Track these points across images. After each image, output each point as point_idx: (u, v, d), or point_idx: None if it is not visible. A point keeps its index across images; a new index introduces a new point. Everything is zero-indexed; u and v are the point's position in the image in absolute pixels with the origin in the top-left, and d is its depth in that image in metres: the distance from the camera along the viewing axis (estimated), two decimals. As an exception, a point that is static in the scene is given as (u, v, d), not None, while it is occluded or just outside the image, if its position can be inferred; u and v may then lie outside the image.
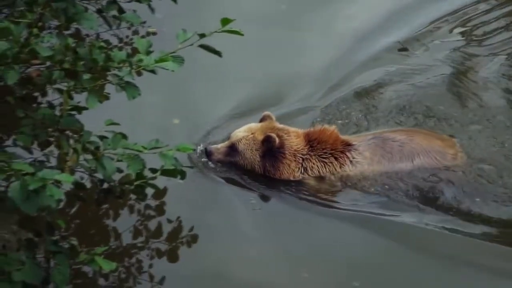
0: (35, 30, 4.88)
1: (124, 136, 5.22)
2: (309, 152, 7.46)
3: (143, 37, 8.67)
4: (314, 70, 9.00)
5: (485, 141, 7.81)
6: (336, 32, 9.65)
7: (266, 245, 6.86)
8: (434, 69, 9.06)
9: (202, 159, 7.54)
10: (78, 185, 5.57)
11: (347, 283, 6.44)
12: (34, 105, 7.00)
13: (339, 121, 8.15)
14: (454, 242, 6.84)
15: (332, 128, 7.55)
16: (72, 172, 5.17)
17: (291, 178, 7.44)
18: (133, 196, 6.27)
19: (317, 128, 7.60)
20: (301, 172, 7.44)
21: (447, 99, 8.50)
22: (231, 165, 7.52)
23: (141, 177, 5.39)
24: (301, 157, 7.44)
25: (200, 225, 6.78)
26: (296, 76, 8.88)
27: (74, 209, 6.70)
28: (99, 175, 5.30)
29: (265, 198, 7.35)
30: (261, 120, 7.65)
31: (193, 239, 6.65)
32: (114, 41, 8.81)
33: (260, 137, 7.43)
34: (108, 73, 5.07)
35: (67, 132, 5.29)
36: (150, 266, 6.38)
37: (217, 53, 5.24)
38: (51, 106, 5.72)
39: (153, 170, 5.40)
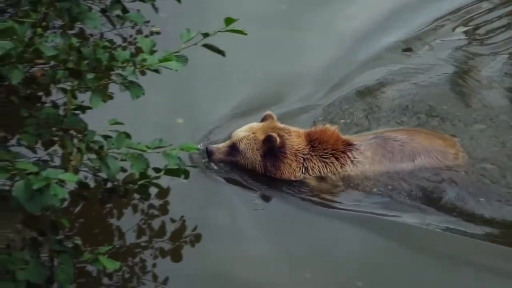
0: (39, 30, 4.89)
1: (128, 136, 5.23)
2: (310, 152, 7.45)
3: (146, 36, 8.66)
4: (315, 70, 9.00)
5: (487, 141, 7.80)
6: (336, 32, 9.64)
7: (268, 245, 6.86)
8: (437, 68, 9.05)
9: (204, 159, 7.54)
10: (82, 185, 5.58)
11: (350, 283, 6.44)
12: (38, 104, 7.00)
13: (342, 120, 8.15)
14: (456, 242, 6.84)
15: (333, 128, 7.54)
16: (76, 171, 5.18)
17: (292, 178, 7.44)
18: (136, 196, 6.27)
19: (318, 128, 7.60)
20: (302, 172, 7.43)
21: (450, 98, 8.48)
22: (232, 164, 7.52)
23: (145, 177, 5.41)
24: (302, 157, 7.43)
25: (203, 225, 6.79)
26: (297, 75, 8.88)
27: (78, 209, 6.71)
28: (103, 175, 5.32)
29: (267, 198, 7.35)
30: (262, 120, 7.64)
31: (197, 238, 6.66)
32: (118, 40, 8.81)
33: (261, 136, 7.43)
34: (112, 72, 5.07)
35: (71, 131, 5.30)
36: (154, 265, 6.39)
37: (221, 52, 5.25)
38: (55, 105, 5.76)
39: (157, 170, 5.42)
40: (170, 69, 5.03)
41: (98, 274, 6.16)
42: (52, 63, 5.13)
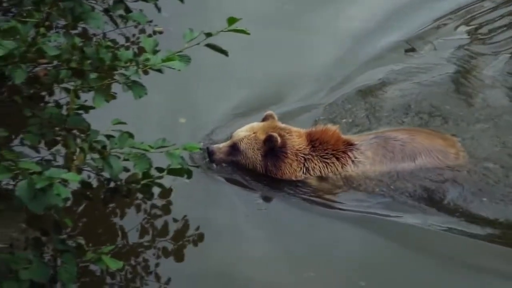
0: (42, 30, 4.89)
1: (130, 135, 5.23)
2: (311, 152, 7.44)
3: (149, 36, 8.66)
4: (316, 70, 9.00)
5: (489, 140, 7.79)
6: (337, 31, 9.65)
7: (271, 244, 6.86)
8: (439, 67, 9.04)
9: (205, 159, 7.55)
10: (85, 184, 5.59)
11: (353, 282, 6.44)
12: (41, 104, 7.02)
13: (343, 120, 8.15)
14: (457, 243, 6.83)
15: (334, 128, 7.53)
16: (79, 171, 5.19)
17: (293, 178, 7.43)
18: (139, 195, 6.30)
19: (319, 128, 7.59)
20: (303, 172, 7.42)
21: (452, 97, 8.48)
22: (233, 164, 7.51)
23: (148, 176, 5.41)
24: (303, 157, 7.43)
25: (206, 225, 6.79)
26: (298, 75, 8.88)
27: (81, 208, 6.71)
28: (106, 174, 5.32)
29: (268, 199, 7.35)
30: (263, 120, 7.63)
31: (199, 238, 6.66)
32: (121, 40, 8.81)
33: (262, 136, 7.42)
34: (115, 72, 5.07)
35: (74, 131, 5.31)
36: (157, 265, 6.39)
37: (224, 52, 5.25)
38: (58, 105, 5.77)
39: (160, 169, 5.42)
40: (173, 68, 5.03)
41: (101, 274, 6.17)
42: (55, 62, 5.14)
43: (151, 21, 8.85)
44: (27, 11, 5.15)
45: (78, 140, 5.22)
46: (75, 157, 5.13)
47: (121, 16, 6.48)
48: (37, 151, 5.78)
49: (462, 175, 7.38)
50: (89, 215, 6.71)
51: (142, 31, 8.99)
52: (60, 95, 6.86)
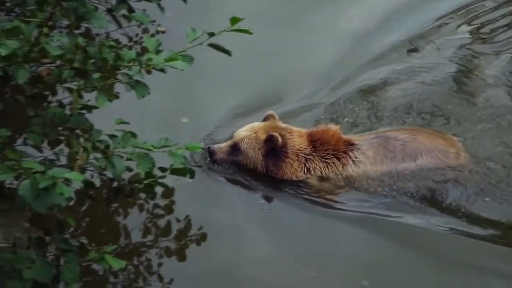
0: (45, 29, 4.89)
1: (133, 135, 5.24)
2: (312, 152, 7.44)
3: (152, 36, 8.67)
4: (317, 69, 9.00)
5: (492, 140, 7.79)
6: (338, 31, 9.64)
7: (272, 244, 6.87)
8: (441, 67, 9.04)
9: (207, 159, 7.55)
10: (87, 184, 5.59)
11: (354, 282, 6.44)
12: (44, 104, 7.03)
13: (345, 119, 8.15)
14: (458, 243, 6.83)
15: (335, 128, 7.53)
16: (82, 170, 5.20)
17: (294, 178, 7.43)
18: (142, 195, 6.31)
19: (320, 128, 7.59)
20: (304, 172, 7.42)
21: (454, 97, 8.48)
22: (234, 164, 7.52)
23: (151, 176, 5.41)
24: (304, 156, 7.43)
25: (208, 225, 6.80)
26: (299, 75, 8.88)
27: (84, 208, 6.72)
28: (109, 174, 5.32)
29: (270, 199, 7.36)
30: (264, 119, 7.64)
31: (202, 237, 6.67)
32: (124, 40, 8.82)
33: (263, 136, 7.42)
34: (118, 72, 5.07)
35: (77, 131, 5.31)
36: (159, 264, 6.41)
37: (227, 52, 5.25)
38: (61, 105, 5.78)
39: (163, 169, 5.43)
40: (176, 68, 5.04)
41: (104, 273, 6.18)
42: (58, 62, 5.14)
43: (154, 21, 8.87)
44: (30, 11, 5.15)
45: (81, 140, 5.23)
46: (78, 157, 5.14)
47: (124, 16, 6.48)
48: (40, 151, 5.78)
49: (463, 175, 7.38)
50: (92, 214, 6.72)
51: (145, 30, 9.00)
52: (63, 95, 6.90)
